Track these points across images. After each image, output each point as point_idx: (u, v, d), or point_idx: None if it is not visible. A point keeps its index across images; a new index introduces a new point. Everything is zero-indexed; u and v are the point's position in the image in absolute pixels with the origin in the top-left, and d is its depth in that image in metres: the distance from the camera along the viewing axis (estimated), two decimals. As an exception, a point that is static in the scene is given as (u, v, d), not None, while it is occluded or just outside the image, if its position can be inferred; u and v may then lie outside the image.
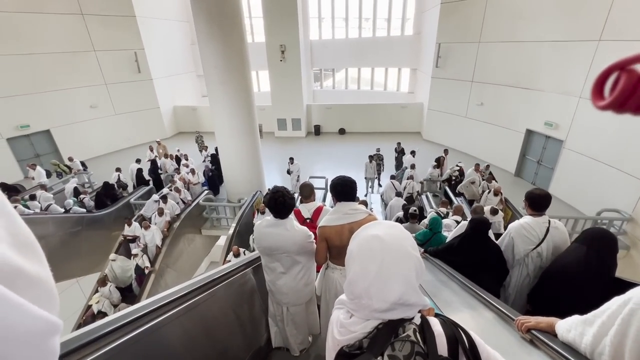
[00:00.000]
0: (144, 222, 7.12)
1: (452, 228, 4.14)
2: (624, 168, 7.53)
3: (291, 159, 10.17)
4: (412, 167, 9.08)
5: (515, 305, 2.68)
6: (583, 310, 1.11)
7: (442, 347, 0.68)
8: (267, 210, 2.20)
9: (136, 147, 15.71)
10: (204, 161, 11.64)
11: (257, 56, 16.51)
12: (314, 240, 2.17)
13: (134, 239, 7.11)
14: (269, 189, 8.00)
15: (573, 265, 2.14)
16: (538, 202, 2.49)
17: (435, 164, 9.76)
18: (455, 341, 0.70)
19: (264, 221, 2.14)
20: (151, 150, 12.06)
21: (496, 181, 7.69)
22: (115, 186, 9.96)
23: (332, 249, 2.13)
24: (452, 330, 0.72)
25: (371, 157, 10.22)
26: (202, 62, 8.27)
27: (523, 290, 2.66)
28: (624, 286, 1.19)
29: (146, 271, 6.69)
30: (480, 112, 12.55)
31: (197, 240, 8.75)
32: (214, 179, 10.23)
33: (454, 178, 7.93)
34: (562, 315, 1.24)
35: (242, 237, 7.59)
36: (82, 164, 11.56)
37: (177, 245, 7.82)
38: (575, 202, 9.01)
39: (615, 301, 0.94)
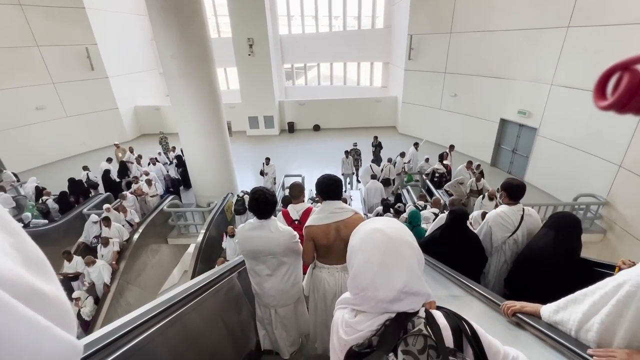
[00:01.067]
0: (87, 257, 5.79)
1: (431, 220, 4.15)
2: (597, 153, 7.60)
3: (267, 160, 9.50)
4: (402, 155, 9.42)
5: (494, 290, 2.74)
6: (555, 289, 1.19)
7: (448, 339, 0.70)
8: (248, 213, 2.25)
9: (93, 152, 14.38)
10: (170, 163, 10.71)
11: (224, 52, 15.66)
12: (299, 241, 2.16)
13: (76, 277, 5.92)
14: (242, 191, 7.47)
15: (543, 248, 2.27)
16: (515, 192, 2.61)
17: (439, 159, 9.43)
18: (460, 332, 0.72)
19: (247, 224, 2.10)
20: (120, 151, 11.07)
21: (483, 177, 7.49)
22: (85, 185, 9.24)
23: (319, 248, 2.12)
24: (456, 321, 0.74)
25: (347, 153, 9.82)
26: (159, 53, 7.47)
27: (501, 276, 2.77)
28: (589, 265, 1.31)
29: (89, 319, 5.49)
30: (454, 103, 12.51)
31: (163, 251, 7.93)
32: (174, 183, 9.23)
33: (437, 175, 7.66)
34: (537, 296, 1.31)
35: (213, 243, 6.92)
36: (14, 175, 10.15)
37: (139, 258, 6.99)
38: (551, 189, 9.08)
39: (610, 282, 0.97)
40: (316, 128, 17.09)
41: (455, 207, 3.23)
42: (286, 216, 2.96)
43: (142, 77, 17.13)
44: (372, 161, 10.27)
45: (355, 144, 10.38)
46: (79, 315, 5.31)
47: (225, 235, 6.13)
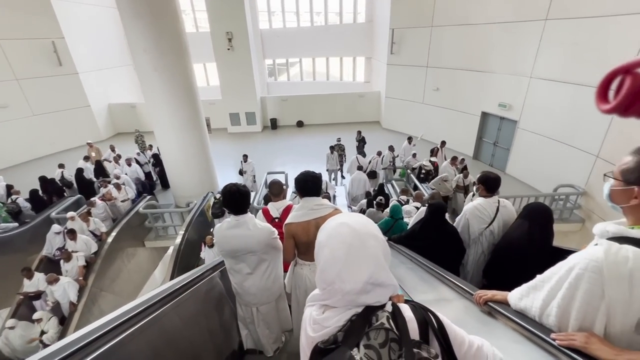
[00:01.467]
0: (50, 275, 5.11)
1: (413, 214, 4.23)
2: (575, 144, 7.74)
3: (244, 157, 9.19)
4: (391, 148, 9.43)
5: (473, 281, 2.84)
6: (531, 278, 1.19)
7: (414, 331, 0.71)
8: (227, 216, 2.12)
9: (64, 152, 13.63)
10: (148, 162, 10.22)
11: (203, 47, 15.17)
12: (279, 237, 2.14)
13: (38, 296, 5.31)
14: (219, 192, 7.15)
15: (519, 239, 2.35)
16: (492, 184, 2.69)
17: (431, 154, 9.30)
18: (426, 324, 0.73)
19: (224, 224, 2.06)
20: (93, 150, 10.47)
21: (466, 172, 7.47)
22: (59, 184, 8.76)
23: (299, 245, 2.12)
24: (422, 314, 0.75)
25: (332, 148, 9.66)
26: (130, 46, 7.05)
27: (479, 266, 2.82)
28: (562, 253, 1.25)
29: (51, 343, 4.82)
30: (436, 97, 12.55)
31: (140, 255, 7.55)
32: (145, 186, 8.63)
33: (423, 172, 7.61)
34: (514, 285, 1.31)
35: (192, 245, 6.62)
36: None
37: (113, 264, 6.60)
38: (532, 181, 9.23)
39: (562, 267, 1.02)
40: (299, 124, 16.84)
41: (434, 201, 3.34)
42: (266, 214, 2.91)
43: (115, 73, 16.36)
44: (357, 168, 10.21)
45: (339, 139, 10.22)
46: (41, 341, 4.70)
47: (203, 245, 5.79)
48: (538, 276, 1.14)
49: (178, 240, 6.40)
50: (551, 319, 1.05)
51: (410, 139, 9.77)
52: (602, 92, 0.63)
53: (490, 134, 10.75)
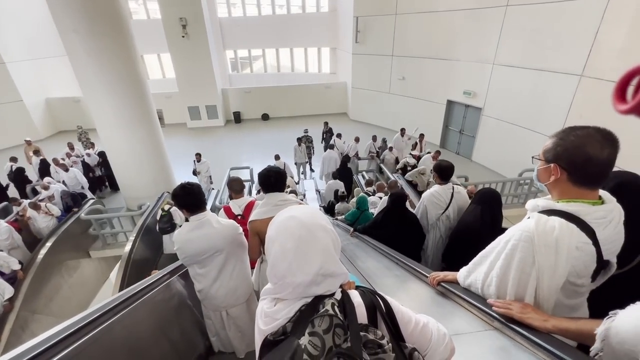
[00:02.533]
0: None
1: (378, 205, 4.29)
2: (537, 129, 7.90)
3: (198, 156, 8.18)
4: (373, 138, 9.50)
5: (433, 265, 2.98)
6: None
7: (362, 316, 0.72)
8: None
9: (-8, 154, 11.89)
10: (96, 166, 9.06)
11: (156, 35, 13.89)
12: (243, 234, 2.12)
13: None
14: (168, 203, 6.24)
15: (473, 222, 2.49)
16: (445, 172, 2.84)
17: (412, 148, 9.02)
18: (374, 308, 0.75)
19: (184, 227, 1.98)
20: (31, 149, 9.12)
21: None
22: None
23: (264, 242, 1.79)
24: (371, 298, 0.76)
25: (299, 140, 9.18)
26: (57, 26, 6.04)
27: (439, 250, 2.96)
28: None
29: None
30: (402, 86, 12.46)
31: (84, 267, 6.62)
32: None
33: (409, 168, 7.36)
34: None
35: (145, 253, 5.88)
36: None
37: (50, 280, 5.68)
38: (497, 167, 9.39)
39: (500, 240, 1.11)
40: (265, 117, 16.12)
41: (395, 190, 3.42)
42: (228, 212, 2.86)
43: (53, 63, 14.51)
44: (324, 148, 9.82)
45: (306, 131, 9.76)
46: None
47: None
48: (480, 252, 1.20)
49: (127, 247, 5.63)
50: (491, 288, 1.13)
51: (403, 130, 9.14)
52: (620, 92, 0.62)
53: (456, 122, 10.83)
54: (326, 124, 10.75)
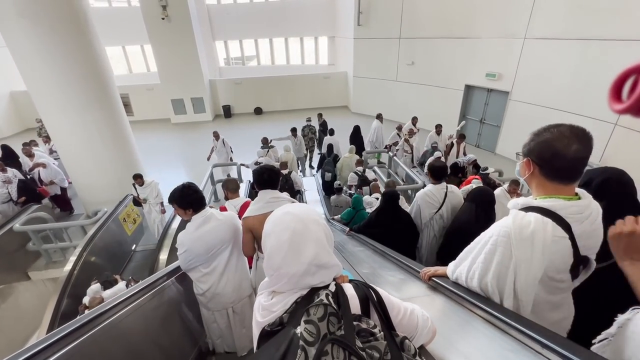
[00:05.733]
0: None
1: (374, 205, 4.30)
2: (583, 112, 6.55)
3: (138, 179, 5.39)
4: (399, 128, 7.96)
5: (428, 263, 2.98)
6: None
7: (355, 307, 0.75)
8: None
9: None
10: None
11: (138, 24, 12.32)
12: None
13: None
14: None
15: (467, 221, 2.54)
16: (438, 172, 2.89)
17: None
18: (367, 300, 0.78)
19: (189, 227, 2.01)
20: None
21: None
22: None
23: (259, 239, 2.10)
24: (364, 290, 0.80)
25: (295, 130, 7.77)
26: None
27: (433, 249, 2.99)
28: None
29: None
30: (412, 72, 11.09)
31: (21, 292, 5.11)
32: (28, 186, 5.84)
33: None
34: None
35: (99, 267, 4.47)
36: None
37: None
38: (529, 160, 8.04)
39: (484, 235, 1.15)
40: (258, 111, 14.68)
41: (388, 189, 3.50)
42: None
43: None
44: (317, 144, 8.42)
45: (309, 120, 8.37)
46: None
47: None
48: (465, 248, 1.25)
49: (67, 267, 4.24)
50: (474, 281, 1.16)
51: (438, 126, 7.19)
52: (615, 92, 0.63)
53: (476, 111, 9.47)
54: (320, 115, 9.07)
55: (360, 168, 6.00)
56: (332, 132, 7.62)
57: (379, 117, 8.13)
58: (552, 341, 0.86)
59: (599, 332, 0.94)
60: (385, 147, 7.67)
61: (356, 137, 7.81)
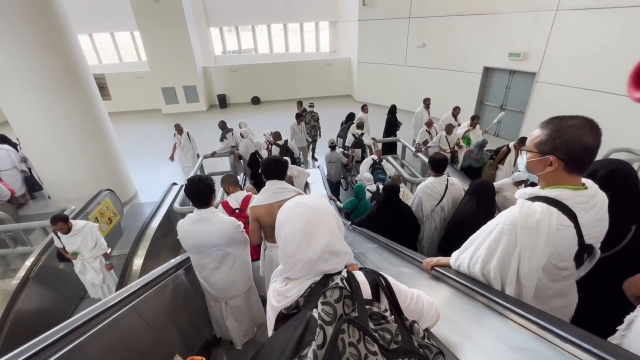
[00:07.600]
0: None
1: (372, 181, 4.53)
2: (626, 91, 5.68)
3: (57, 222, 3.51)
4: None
5: (429, 255, 2.46)
6: None
7: (366, 292, 0.78)
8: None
9: None
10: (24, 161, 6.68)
11: (128, 10, 11.30)
12: (244, 230, 2.17)
13: None
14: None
15: (468, 213, 2.53)
16: (439, 165, 2.89)
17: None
18: (377, 286, 0.82)
19: (186, 219, 2.05)
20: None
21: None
22: None
23: (265, 228, 2.21)
24: (374, 277, 0.83)
25: (300, 116, 6.95)
26: None
27: (434, 241, 3.02)
28: None
29: None
30: (422, 55, 10.18)
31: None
32: None
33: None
34: None
35: (56, 282, 3.71)
36: None
37: None
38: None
39: (490, 225, 1.16)
40: (255, 101, 13.78)
41: (388, 182, 3.61)
42: (226, 207, 2.83)
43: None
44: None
45: (311, 105, 7.53)
46: None
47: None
48: (470, 237, 1.26)
49: (21, 274, 3.52)
50: (477, 267, 1.17)
51: (475, 118, 6.12)
52: (635, 80, 0.63)
53: (496, 96, 8.59)
54: (311, 105, 8.04)
55: (359, 131, 6.15)
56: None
57: (475, 119, 6.21)
58: (552, 324, 0.89)
59: (602, 318, 1.06)
60: (417, 147, 6.33)
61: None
